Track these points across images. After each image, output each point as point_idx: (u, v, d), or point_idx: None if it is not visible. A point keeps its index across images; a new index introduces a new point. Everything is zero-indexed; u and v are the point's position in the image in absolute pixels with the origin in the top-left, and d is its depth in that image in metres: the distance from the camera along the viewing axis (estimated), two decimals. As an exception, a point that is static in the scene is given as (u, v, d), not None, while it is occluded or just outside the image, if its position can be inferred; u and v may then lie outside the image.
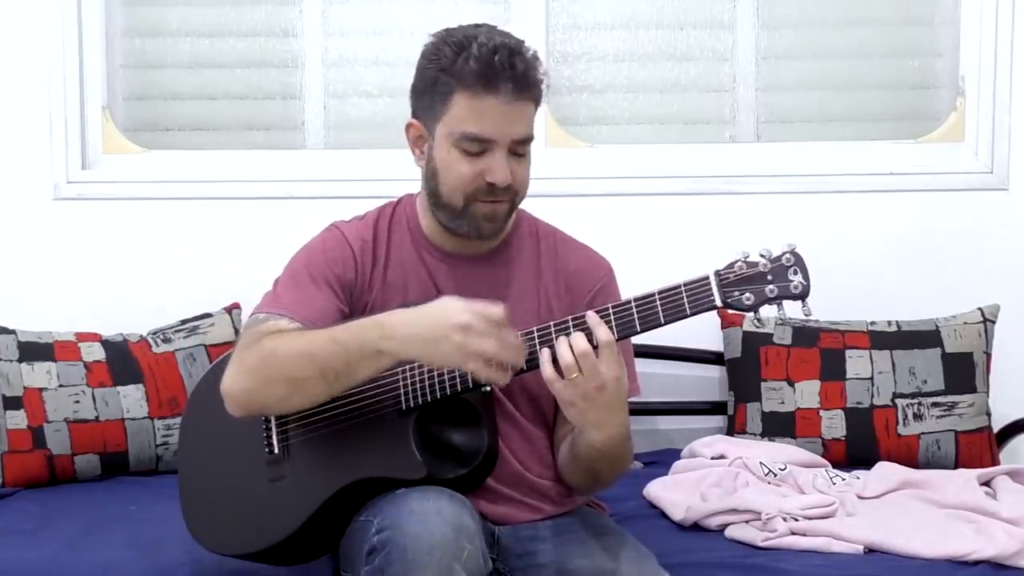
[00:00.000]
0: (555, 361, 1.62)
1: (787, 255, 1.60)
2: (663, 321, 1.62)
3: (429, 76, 1.77)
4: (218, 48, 2.96)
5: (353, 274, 1.86)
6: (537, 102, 1.80)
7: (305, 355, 1.66)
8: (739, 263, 1.61)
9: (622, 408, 1.66)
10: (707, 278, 1.61)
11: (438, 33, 1.81)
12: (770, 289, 1.59)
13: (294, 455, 1.82)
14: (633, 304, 1.63)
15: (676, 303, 1.61)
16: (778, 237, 2.75)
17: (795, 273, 1.60)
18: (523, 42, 1.78)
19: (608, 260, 1.96)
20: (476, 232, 1.82)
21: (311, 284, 1.82)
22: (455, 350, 1.57)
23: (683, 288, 1.61)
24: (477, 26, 1.79)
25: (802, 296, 1.59)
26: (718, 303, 1.59)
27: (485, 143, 1.75)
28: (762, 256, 1.60)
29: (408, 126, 1.85)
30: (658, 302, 1.62)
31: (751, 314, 1.63)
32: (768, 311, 1.62)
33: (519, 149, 1.78)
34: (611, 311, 1.63)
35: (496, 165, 1.75)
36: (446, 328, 1.58)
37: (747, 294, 1.59)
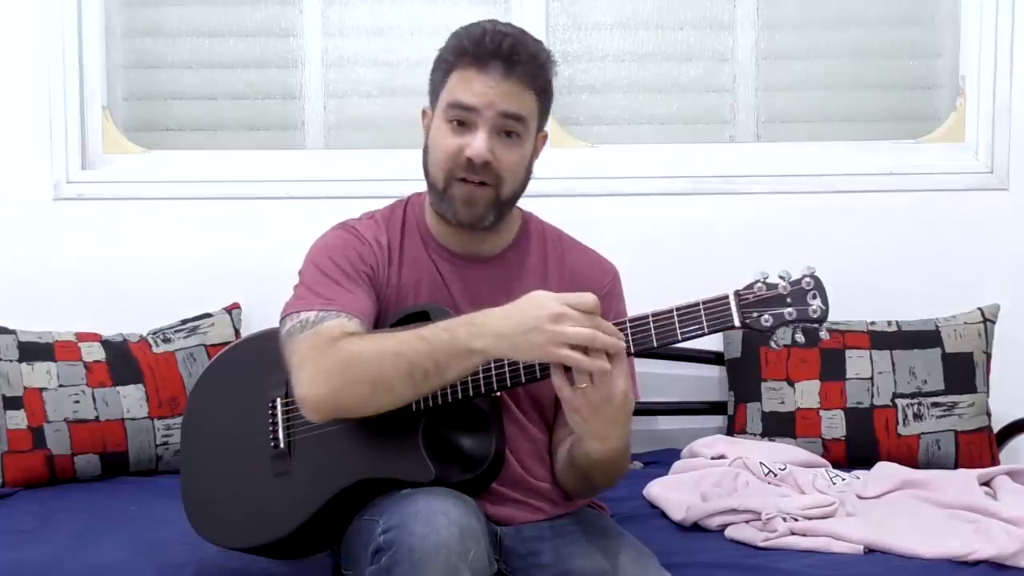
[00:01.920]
0: (567, 369, 1.60)
1: (807, 279, 1.60)
2: (680, 338, 1.62)
3: (437, 60, 1.83)
4: (218, 48, 2.96)
5: (375, 271, 1.86)
6: (538, 92, 1.80)
7: (393, 354, 1.63)
8: (759, 284, 1.61)
9: (625, 422, 1.66)
10: (726, 297, 1.60)
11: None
12: (788, 312, 1.59)
13: (299, 451, 1.83)
14: (651, 319, 1.63)
15: (694, 321, 1.61)
16: (778, 237, 2.79)
17: (814, 297, 1.60)
18: (533, 38, 1.81)
19: (614, 264, 1.96)
20: (455, 216, 1.82)
21: (347, 279, 1.81)
22: (548, 340, 1.55)
23: (702, 306, 1.61)
24: (492, 20, 1.83)
25: (820, 320, 1.60)
26: (736, 323, 1.59)
27: (469, 111, 1.77)
28: (781, 278, 1.61)
29: (423, 113, 1.90)
30: (676, 319, 1.61)
31: (768, 335, 1.61)
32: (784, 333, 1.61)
33: (507, 127, 1.78)
34: (628, 325, 1.63)
35: (476, 140, 1.76)
36: (539, 319, 1.56)
37: (765, 316, 1.59)
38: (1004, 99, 2.82)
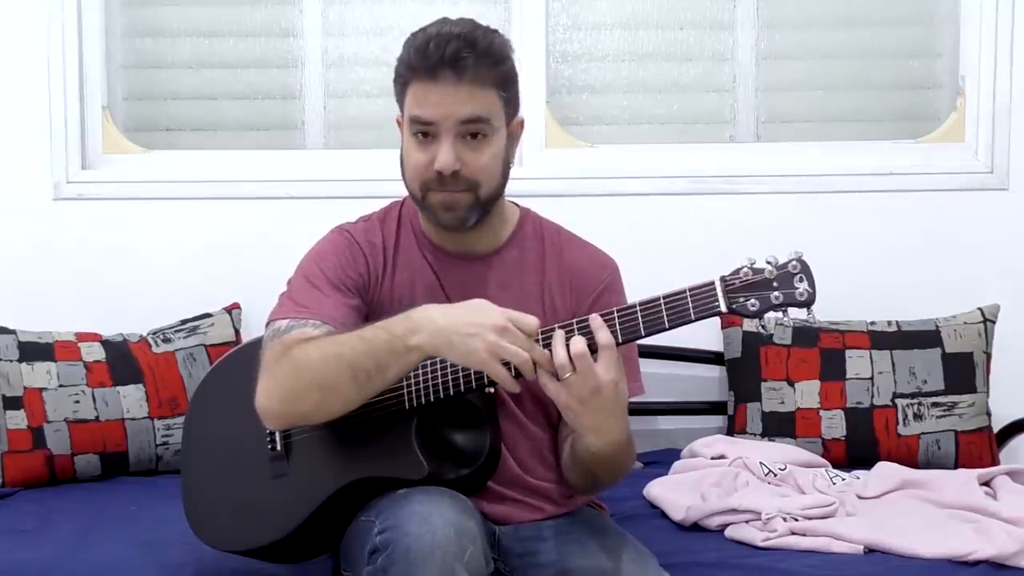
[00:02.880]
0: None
1: (793, 262, 1.59)
2: (667, 326, 1.61)
3: (395, 71, 1.82)
4: (218, 48, 2.96)
5: (366, 276, 1.86)
6: (498, 85, 1.77)
7: (335, 357, 1.65)
8: (745, 269, 1.60)
9: (621, 414, 1.65)
10: (712, 283, 1.60)
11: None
12: (775, 296, 1.58)
13: (296, 453, 1.83)
14: (638, 308, 1.63)
15: (681, 308, 1.60)
16: (778, 237, 2.77)
17: (801, 280, 1.58)
18: (483, 29, 1.77)
19: (613, 258, 1.95)
20: (437, 222, 1.82)
21: (330, 286, 1.81)
22: (485, 348, 1.58)
23: (688, 293, 1.60)
24: (444, 20, 1.80)
25: (807, 304, 1.58)
26: (723, 308, 1.58)
27: (428, 126, 1.76)
28: (768, 263, 1.59)
29: (397, 122, 1.88)
30: (663, 306, 1.61)
31: (756, 320, 1.62)
32: (773, 316, 1.61)
33: (470, 130, 1.76)
34: (616, 315, 1.63)
35: (440, 152, 1.75)
36: (482, 326, 1.59)
37: (752, 300, 1.58)
38: (1004, 99, 2.82)
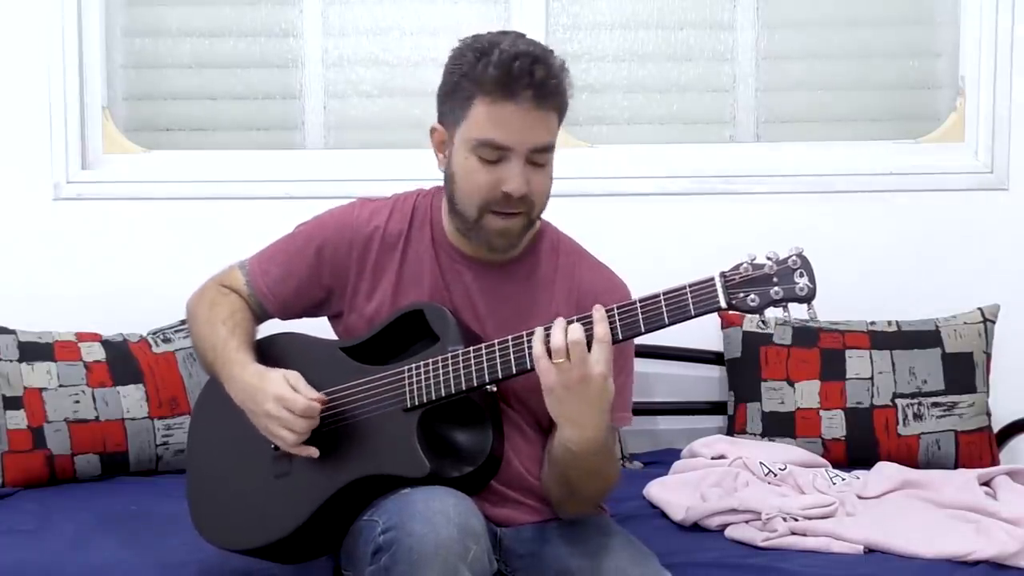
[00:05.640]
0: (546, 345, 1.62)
1: (793, 258, 1.60)
2: (667, 322, 1.61)
3: (452, 81, 1.77)
4: (218, 48, 2.96)
5: (356, 269, 1.88)
6: (560, 112, 1.78)
7: (199, 338, 1.93)
8: (745, 265, 1.60)
9: (602, 409, 1.64)
10: (712, 279, 1.60)
11: (465, 39, 1.79)
12: (775, 291, 1.58)
13: None
14: (638, 304, 1.63)
15: (681, 304, 1.60)
16: (778, 237, 2.75)
17: (801, 275, 1.58)
18: (550, 52, 1.76)
19: (625, 283, 1.94)
20: (487, 245, 1.81)
21: (302, 262, 1.91)
22: (263, 427, 1.77)
23: (688, 289, 1.60)
24: (504, 33, 1.78)
25: (807, 299, 1.58)
26: (723, 304, 1.58)
27: (502, 150, 1.73)
28: (768, 258, 1.60)
29: (432, 130, 1.84)
30: (663, 303, 1.61)
31: (756, 316, 1.62)
32: (773, 313, 1.61)
33: (538, 159, 1.75)
34: (616, 311, 1.63)
35: (512, 174, 1.73)
36: (255, 414, 1.78)
37: (752, 295, 1.58)
38: (1004, 99, 2.82)
